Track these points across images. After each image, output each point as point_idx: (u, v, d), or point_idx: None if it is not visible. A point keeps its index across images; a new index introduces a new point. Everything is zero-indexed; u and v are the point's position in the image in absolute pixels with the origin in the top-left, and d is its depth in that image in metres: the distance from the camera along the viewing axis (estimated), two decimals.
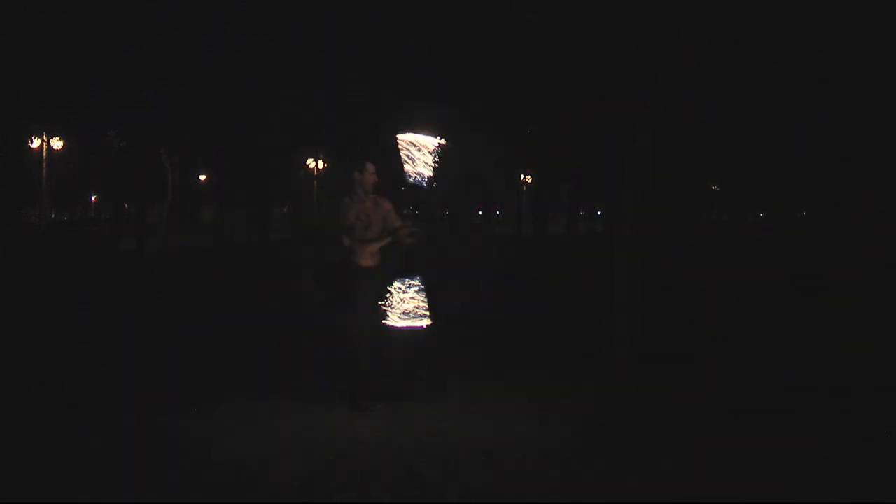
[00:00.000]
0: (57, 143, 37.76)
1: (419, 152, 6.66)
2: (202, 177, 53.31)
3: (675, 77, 7.32)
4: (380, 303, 6.60)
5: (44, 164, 37.02)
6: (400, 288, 6.66)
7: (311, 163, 49.63)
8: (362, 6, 14.60)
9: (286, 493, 4.75)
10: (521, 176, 54.13)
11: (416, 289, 6.74)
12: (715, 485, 4.97)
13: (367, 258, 6.56)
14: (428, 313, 6.66)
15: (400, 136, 6.67)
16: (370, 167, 6.68)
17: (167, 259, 25.79)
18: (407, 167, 6.70)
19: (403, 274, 6.77)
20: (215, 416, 6.35)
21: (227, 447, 5.57)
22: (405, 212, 71.57)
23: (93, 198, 62.37)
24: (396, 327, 6.62)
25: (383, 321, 6.64)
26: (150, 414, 6.40)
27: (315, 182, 51.11)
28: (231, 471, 5.10)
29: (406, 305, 6.61)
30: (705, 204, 48.58)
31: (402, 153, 6.68)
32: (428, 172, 6.74)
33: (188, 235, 41.27)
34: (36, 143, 36.68)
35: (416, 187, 6.75)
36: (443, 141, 6.64)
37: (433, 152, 6.63)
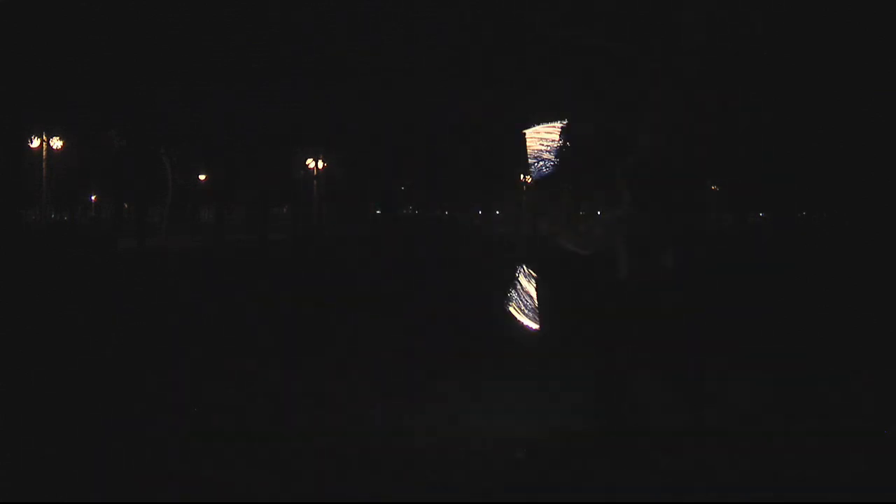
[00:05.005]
0: (57, 143, 37.78)
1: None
2: (202, 177, 53.32)
3: (674, 76, 7.31)
4: None
5: (44, 164, 37.04)
6: None
7: (310, 163, 49.65)
8: (367, 7, 14.62)
9: None
10: (521, 176, 54.14)
11: None
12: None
13: None
14: None
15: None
16: None
17: (176, 258, 25.77)
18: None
19: None
20: None
21: None
22: (404, 211, 70.96)
23: (93, 198, 62.37)
24: None
25: None
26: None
27: (315, 182, 51.14)
28: None
29: None
30: (705, 204, 48.58)
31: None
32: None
33: (188, 235, 41.27)
34: (36, 143, 36.70)
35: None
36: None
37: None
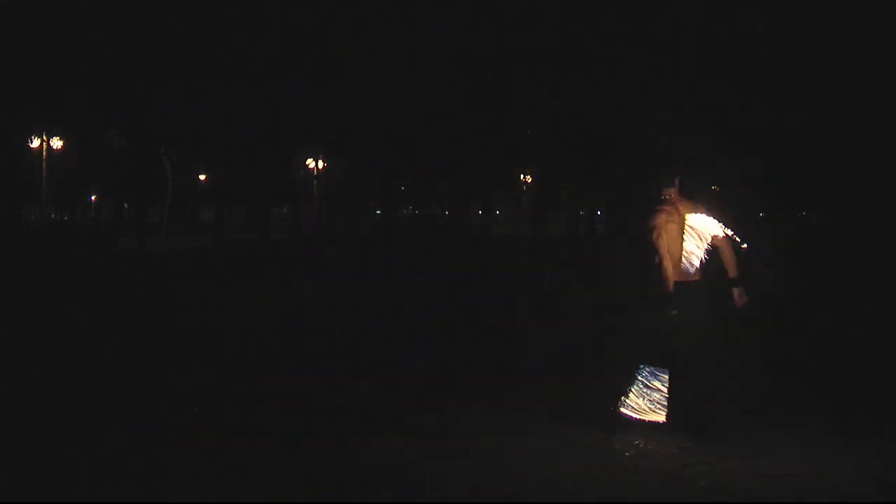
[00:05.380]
0: (57, 143, 37.75)
1: None
2: (202, 177, 53.31)
3: (678, 76, 7.31)
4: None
5: (44, 164, 37.00)
6: None
7: (310, 163, 49.62)
8: (367, 7, 14.62)
9: None
10: (522, 175, 54.11)
11: None
12: None
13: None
14: None
15: None
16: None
17: (186, 259, 25.74)
18: None
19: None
20: None
21: None
22: (404, 211, 70.84)
23: (93, 198, 62.34)
24: None
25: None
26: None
27: (315, 182, 51.11)
28: None
29: None
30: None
31: None
32: None
33: (188, 235, 41.26)
34: (36, 143, 36.68)
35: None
36: None
37: None
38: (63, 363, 8.41)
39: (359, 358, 8.71)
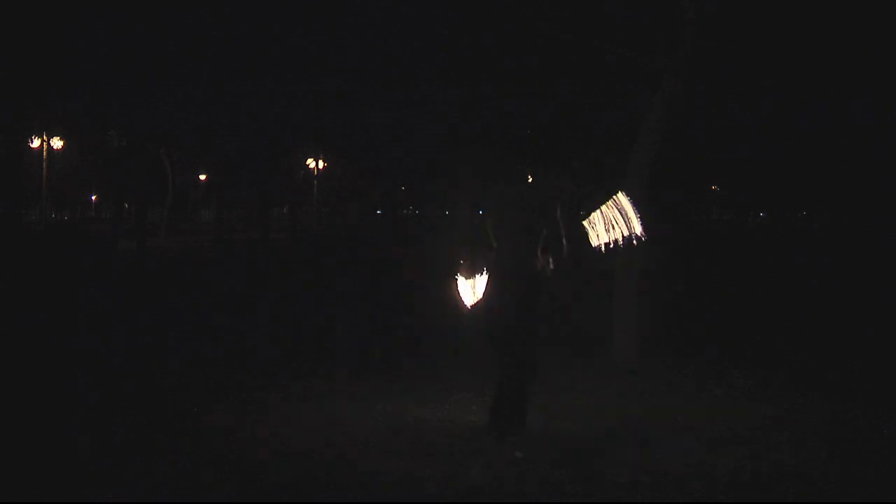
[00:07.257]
0: (57, 143, 37.78)
1: None
2: (202, 177, 53.30)
3: (678, 74, 7.31)
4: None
5: (44, 164, 37.04)
6: None
7: (311, 163, 49.65)
8: (366, 7, 14.63)
9: None
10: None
11: None
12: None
13: None
14: None
15: None
16: None
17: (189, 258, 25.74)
18: None
19: None
20: None
21: None
22: (405, 211, 70.28)
23: (93, 198, 62.34)
24: None
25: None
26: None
27: (315, 182, 51.16)
28: None
29: None
30: (705, 203, 48.60)
31: None
32: None
33: (188, 235, 41.25)
34: (36, 143, 36.70)
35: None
36: None
37: None
38: (62, 363, 8.42)
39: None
